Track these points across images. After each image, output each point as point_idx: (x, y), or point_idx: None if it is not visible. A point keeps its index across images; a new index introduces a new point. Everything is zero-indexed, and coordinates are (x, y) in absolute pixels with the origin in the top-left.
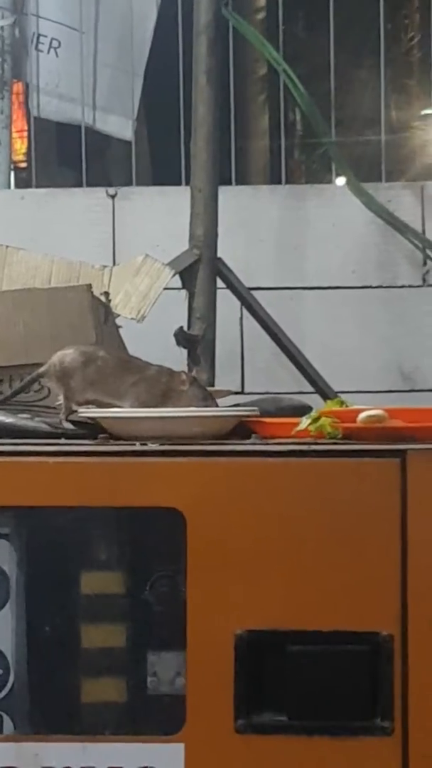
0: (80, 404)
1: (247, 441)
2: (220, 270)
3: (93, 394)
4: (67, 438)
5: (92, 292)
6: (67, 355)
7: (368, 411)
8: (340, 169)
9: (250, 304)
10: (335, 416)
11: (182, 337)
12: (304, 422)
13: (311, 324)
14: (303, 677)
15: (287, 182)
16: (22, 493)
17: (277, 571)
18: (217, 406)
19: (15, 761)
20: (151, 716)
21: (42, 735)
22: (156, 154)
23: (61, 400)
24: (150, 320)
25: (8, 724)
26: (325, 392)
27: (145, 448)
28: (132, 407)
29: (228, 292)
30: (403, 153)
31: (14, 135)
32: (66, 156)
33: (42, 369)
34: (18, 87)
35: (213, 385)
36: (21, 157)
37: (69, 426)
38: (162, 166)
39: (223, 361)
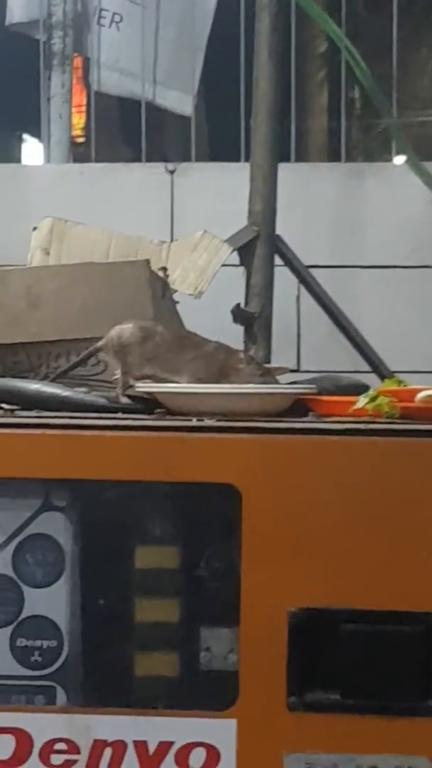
0: (137, 379)
1: (305, 419)
2: (278, 247)
3: (150, 370)
4: (123, 412)
5: (150, 268)
6: (126, 329)
7: (426, 390)
8: (400, 147)
9: (307, 281)
10: (393, 395)
11: (239, 314)
12: (362, 401)
13: (368, 303)
14: (356, 656)
15: (346, 160)
16: (78, 467)
17: (331, 550)
18: (275, 382)
19: (67, 733)
20: (204, 691)
21: (94, 707)
22: (215, 131)
23: (118, 374)
24: (207, 296)
25: (61, 696)
26: (381, 371)
27: (202, 423)
28: (189, 383)
29: (285, 269)
30: None
31: (73, 109)
32: (125, 131)
33: (100, 343)
34: (78, 61)
35: (269, 362)
36: (79, 132)
37: (126, 400)
38: (221, 143)
39: (280, 339)
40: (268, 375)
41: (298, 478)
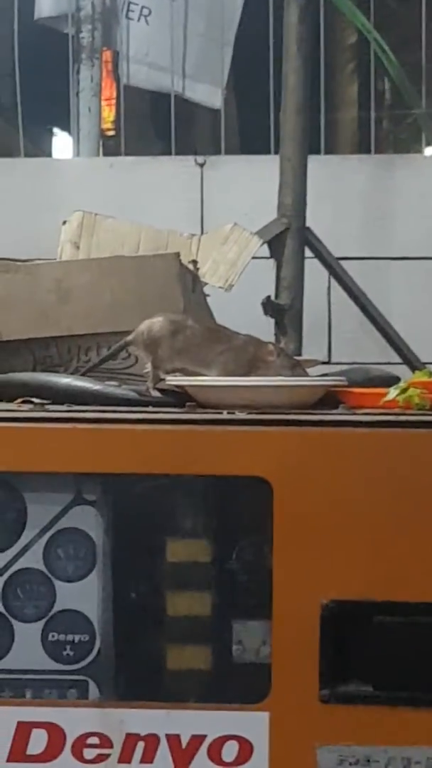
0: (168, 372)
1: (335, 411)
2: (308, 239)
3: (180, 363)
4: (154, 406)
5: (180, 261)
6: (156, 323)
7: None
8: (430, 138)
9: (337, 273)
10: (423, 387)
11: (270, 307)
12: (392, 393)
13: (398, 294)
14: (388, 648)
15: (376, 152)
16: (109, 460)
17: (363, 542)
18: (306, 375)
19: (100, 727)
20: (236, 685)
21: (127, 701)
22: (244, 123)
23: (148, 368)
24: (238, 289)
25: (94, 690)
26: (412, 363)
27: (232, 416)
28: (219, 376)
29: (316, 261)
30: None
31: (103, 103)
32: (155, 124)
33: (130, 337)
34: (107, 55)
35: (300, 355)
36: (109, 125)
37: (156, 394)
38: (250, 135)
39: (310, 331)
40: (298, 367)
41: (329, 471)
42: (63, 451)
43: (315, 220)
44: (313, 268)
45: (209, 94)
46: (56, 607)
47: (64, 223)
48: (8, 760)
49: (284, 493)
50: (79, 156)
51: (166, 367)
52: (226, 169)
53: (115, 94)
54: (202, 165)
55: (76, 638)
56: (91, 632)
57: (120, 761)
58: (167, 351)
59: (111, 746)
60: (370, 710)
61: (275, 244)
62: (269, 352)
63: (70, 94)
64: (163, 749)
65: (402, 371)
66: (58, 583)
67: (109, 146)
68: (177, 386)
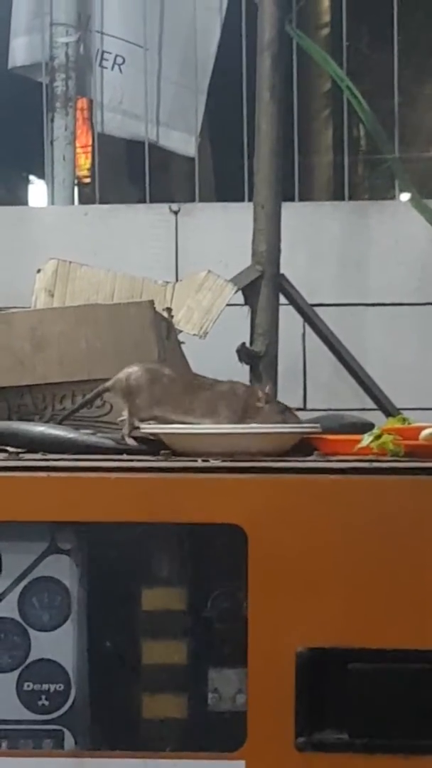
0: (143, 420)
1: (309, 458)
2: (282, 286)
3: (160, 411)
4: (129, 454)
5: (155, 308)
6: (134, 372)
7: (431, 428)
8: (403, 185)
9: (312, 320)
10: (397, 433)
11: (244, 353)
12: (366, 439)
13: (374, 340)
14: (365, 695)
15: (351, 198)
16: (83, 509)
17: (339, 589)
18: (297, 419)
19: None
20: (212, 733)
21: (103, 751)
22: (219, 171)
23: (124, 415)
24: (212, 336)
25: (69, 740)
26: (387, 409)
27: (206, 464)
28: (213, 424)
29: (290, 308)
30: None
31: (79, 150)
32: (130, 172)
33: (108, 384)
34: (83, 103)
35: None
36: (85, 173)
37: (131, 442)
38: (225, 183)
39: (286, 378)
40: (287, 412)
41: (304, 518)
42: (37, 500)
43: (290, 266)
44: (288, 315)
45: (183, 141)
46: (31, 657)
47: (39, 271)
48: None
49: (259, 540)
50: (54, 204)
51: (143, 415)
52: (201, 216)
53: (91, 142)
54: (176, 212)
55: (52, 688)
56: (67, 681)
57: None
58: (145, 399)
59: None
60: (347, 758)
61: (249, 291)
62: (258, 399)
63: (44, 142)
64: None
65: (377, 417)
66: (33, 633)
67: (86, 194)
68: (152, 434)
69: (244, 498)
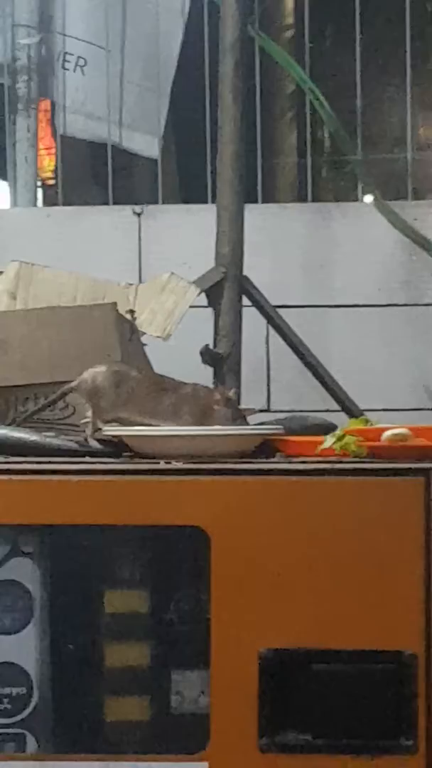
0: (107, 422)
1: (272, 459)
2: (246, 288)
3: (125, 413)
4: (91, 456)
5: (118, 311)
6: (99, 373)
7: (393, 429)
8: (366, 187)
9: (276, 322)
10: (360, 435)
11: (208, 356)
12: (329, 441)
13: (337, 342)
14: (327, 696)
15: (314, 200)
16: (46, 512)
17: (301, 590)
18: (247, 425)
19: None
20: (175, 735)
21: (65, 754)
22: (182, 173)
23: (88, 417)
24: (175, 338)
25: (32, 743)
26: (351, 410)
27: (169, 466)
28: (173, 426)
29: (254, 310)
30: (430, 171)
31: (42, 152)
32: (93, 174)
33: (72, 384)
34: (45, 104)
35: (239, 404)
36: (49, 174)
37: (94, 444)
38: (188, 185)
39: (249, 379)
40: (240, 417)
41: (266, 519)
42: None
43: (253, 268)
44: (252, 317)
45: (146, 143)
46: None
47: (1, 273)
48: None
49: (221, 542)
50: (17, 206)
51: (107, 417)
52: (164, 218)
53: (54, 144)
54: (139, 214)
55: (14, 691)
56: (29, 685)
57: None
58: (110, 401)
59: None
60: (309, 759)
61: (213, 293)
62: (216, 401)
63: (6, 144)
64: None
65: (340, 419)
66: None
67: (50, 196)
68: (114, 436)
69: (207, 500)
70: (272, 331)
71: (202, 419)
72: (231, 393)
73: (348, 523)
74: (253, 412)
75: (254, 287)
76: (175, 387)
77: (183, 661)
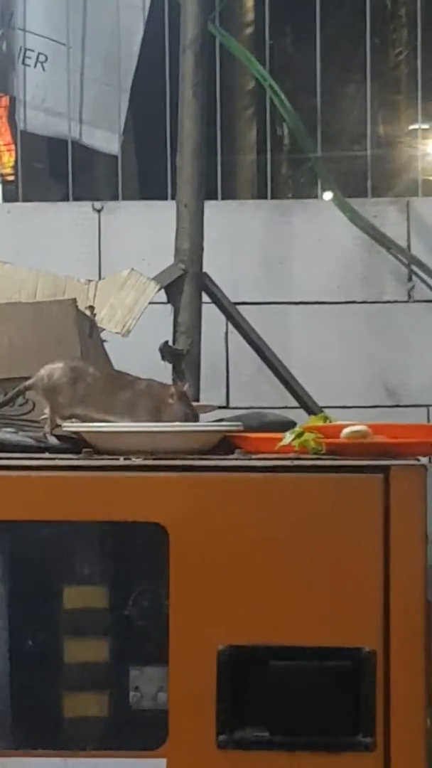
0: (66, 418)
1: (231, 456)
2: (205, 285)
3: (82, 409)
4: (51, 452)
5: (77, 306)
6: (56, 369)
7: (352, 426)
8: (325, 184)
9: (235, 319)
10: (319, 431)
11: (167, 352)
12: (288, 437)
13: (296, 339)
14: (285, 693)
15: (274, 197)
16: (4, 508)
17: (260, 587)
18: (197, 421)
19: None
20: (134, 731)
21: (23, 750)
22: (142, 169)
23: (46, 413)
24: (135, 334)
25: None
26: (309, 407)
27: (128, 462)
28: (125, 422)
29: (213, 306)
30: (389, 168)
31: (2, 148)
32: (53, 170)
33: (29, 382)
34: (4, 101)
35: (198, 400)
36: (9, 171)
37: (53, 440)
38: (148, 181)
39: (208, 376)
40: (192, 415)
41: (225, 516)
42: None
43: (213, 265)
44: (211, 314)
45: (107, 139)
46: None
47: None
48: None
49: (180, 538)
50: None
51: (65, 413)
52: (124, 214)
53: (13, 140)
54: (99, 211)
55: None
56: None
57: None
58: (67, 397)
59: None
60: (267, 755)
61: (172, 290)
62: (170, 395)
63: None
64: None
65: (299, 415)
66: None
67: (9, 191)
68: (74, 432)
69: (166, 496)
70: (231, 328)
71: (157, 415)
72: (185, 388)
73: (307, 519)
74: (213, 408)
75: (214, 284)
76: (131, 383)
77: (141, 657)
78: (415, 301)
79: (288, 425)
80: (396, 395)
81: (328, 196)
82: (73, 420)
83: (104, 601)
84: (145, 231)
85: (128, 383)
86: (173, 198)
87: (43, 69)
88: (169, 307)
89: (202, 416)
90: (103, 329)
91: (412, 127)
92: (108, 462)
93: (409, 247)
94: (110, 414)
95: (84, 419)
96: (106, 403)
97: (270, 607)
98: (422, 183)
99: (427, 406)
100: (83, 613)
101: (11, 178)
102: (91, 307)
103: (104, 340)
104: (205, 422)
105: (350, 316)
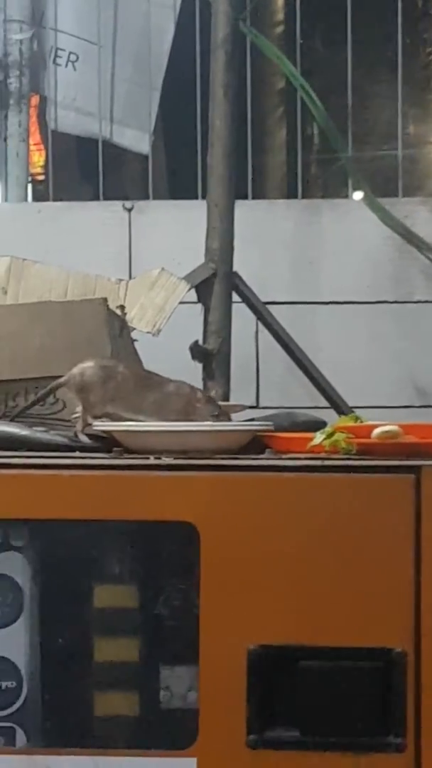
0: (97, 417)
1: (262, 456)
2: (235, 284)
3: (112, 409)
4: (82, 451)
5: (108, 306)
6: (88, 368)
7: (383, 426)
8: (356, 183)
9: (265, 318)
10: (349, 431)
11: (197, 351)
12: (319, 437)
13: (326, 339)
14: (316, 693)
15: (304, 197)
16: (36, 506)
17: (290, 587)
18: (228, 421)
19: None
20: (164, 731)
21: (54, 748)
22: (173, 168)
23: (78, 412)
24: (165, 334)
25: (21, 737)
26: (339, 407)
27: (159, 462)
28: (152, 422)
29: (243, 306)
30: (420, 168)
31: (32, 148)
32: (83, 169)
33: (62, 380)
34: (35, 100)
35: (228, 400)
36: (39, 170)
37: (84, 439)
38: (179, 180)
39: (238, 376)
40: (223, 414)
41: (256, 516)
42: None
43: (243, 264)
44: (241, 313)
45: (137, 139)
46: None
47: None
48: None
49: (211, 538)
50: (7, 201)
51: (96, 412)
52: (154, 214)
53: (44, 139)
54: (130, 210)
55: (3, 685)
56: (18, 679)
57: None
58: (98, 396)
59: None
60: (298, 755)
61: (203, 289)
62: (198, 399)
63: None
64: None
65: (330, 415)
66: None
67: (39, 191)
68: (105, 431)
69: (197, 495)
70: (261, 328)
71: (186, 415)
72: (212, 393)
73: (338, 519)
74: (243, 408)
75: (244, 283)
76: (160, 384)
77: (172, 656)
78: None
79: (319, 425)
80: (426, 395)
81: (358, 195)
82: (104, 419)
83: (135, 600)
84: (176, 230)
85: (157, 384)
86: (203, 197)
87: (74, 68)
88: (200, 306)
89: (232, 416)
90: (134, 329)
91: None
92: (139, 461)
93: None
94: (139, 414)
95: (114, 418)
96: (136, 402)
97: (300, 606)
98: None
99: None
100: (114, 612)
101: (41, 177)
102: (122, 307)
103: (135, 340)
104: (236, 422)
105: (380, 316)
